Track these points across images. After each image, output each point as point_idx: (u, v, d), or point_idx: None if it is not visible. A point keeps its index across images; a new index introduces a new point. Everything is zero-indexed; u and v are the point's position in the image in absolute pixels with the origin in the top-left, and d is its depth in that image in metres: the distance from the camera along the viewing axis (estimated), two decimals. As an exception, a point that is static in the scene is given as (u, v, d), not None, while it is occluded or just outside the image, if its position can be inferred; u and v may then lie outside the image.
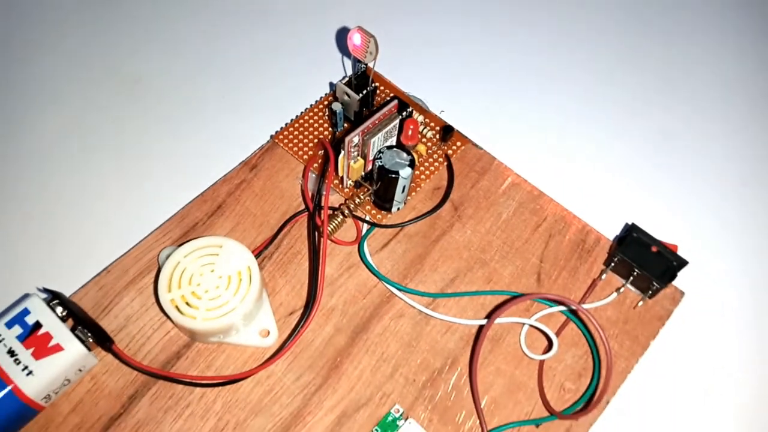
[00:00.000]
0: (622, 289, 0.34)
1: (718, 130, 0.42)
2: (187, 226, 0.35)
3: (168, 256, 0.31)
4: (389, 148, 0.33)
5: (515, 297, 0.30)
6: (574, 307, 0.31)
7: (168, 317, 0.30)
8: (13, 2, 0.44)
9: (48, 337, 0.29)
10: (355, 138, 0.32)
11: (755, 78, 0.44)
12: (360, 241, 0.34)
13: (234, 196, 0.36)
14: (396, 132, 0.34)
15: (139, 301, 0.33)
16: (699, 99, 0.43)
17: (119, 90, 0.41)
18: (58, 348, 0.29)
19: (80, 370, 0.30)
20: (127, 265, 0.34)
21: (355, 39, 0.33)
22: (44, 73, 0.41)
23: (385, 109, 0.32)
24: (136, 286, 0.33)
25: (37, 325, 0.29)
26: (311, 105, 0.39)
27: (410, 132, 0.35)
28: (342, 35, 0.43)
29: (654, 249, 0.33)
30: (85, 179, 0.37)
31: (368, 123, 0.32)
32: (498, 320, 0.31)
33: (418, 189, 0.37)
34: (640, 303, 0.34)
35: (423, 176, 0.37)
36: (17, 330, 0.29)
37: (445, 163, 0.37)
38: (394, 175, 0.32)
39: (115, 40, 0.43)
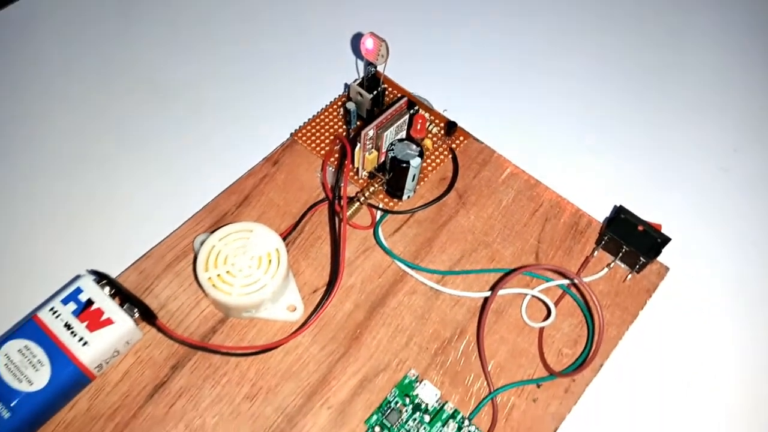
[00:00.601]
0: (612, 265, 0.37)
1: (695, 119, 0.46)
2: (217, 216, 0.38)
3: (202, 242, 0.35)
4: (400, 140, 0.37)
5: (518, 269, 0.34)
6: (572, 278, 0.34)
7: (206, 294, 0.34)
8: (50, 14, 0.48)
9: (99, 312, 0.32)
10: (370, 131, 0.35)
11: (738, 68, 0.48)
12: (375, 226, 0.38)
13: (258, 188, 0.40)
14: (406, 126, 0.38)
15: (177, 283, 0.36)
16: (682, 92, 0.47)
17: (156, 94, 0.44)
18: (109, 322, 0.32)
19: (128, 343, 0.33)
20: (163, 251, 0.37)
21: (367, 43, 0.37)
22: (92, 79, 0.45)
23: (396, 106, 0.36)
24: (173, 269, 0.37)
25: (90, 302, 0.32)
26: (327, 105, 0.43)
27: (419, 126, 0.38)
28: (355, 40, 0.47)
29: (640, 228, 0.37)
30: (124, 176, 0.41)
31: (381, 118, 0.35)
32: (501, 292, 0.35)
33: (425, 179, 0.40)
34: (629, 277, 0.37)
35: (430, 168, 0.40)
36: (72, 306, 0.32)
37: (450, 156, 0.41)
38: (405, 165, 0.36)
39: (151, 49, 0.46)
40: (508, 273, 0.34)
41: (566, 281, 0.36)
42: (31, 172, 0.40)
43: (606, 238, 0.37)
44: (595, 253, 0.38)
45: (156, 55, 0.46)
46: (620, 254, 0.37)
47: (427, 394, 0.33)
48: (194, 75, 0.45)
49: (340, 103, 0.42)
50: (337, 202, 0.37)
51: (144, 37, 0.47)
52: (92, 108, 0.43)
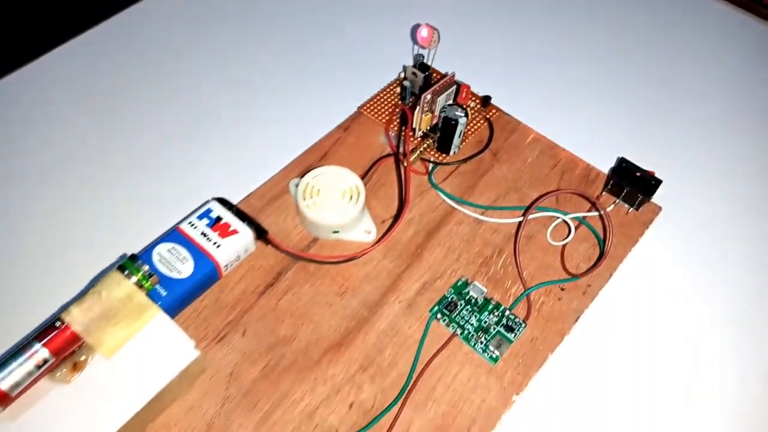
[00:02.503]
0: (617, 202, 0.47)
1: (686, 80, 0.56)
2: (303, 167, 0.49)
3: (296, 184, 0.45)
4: (450, 105, 0.47)
5: (547, 193, 0.44)
6: (593, 200, 0.45)
7: (302, 219, 0.44)
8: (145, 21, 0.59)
9: (227, 225, 0.42)
10: (428, 95, 0.46)
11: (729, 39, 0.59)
12: (429, 173, 0.48)
13: (334, 148, 0.50)
14: (453, 95, 0.48)
15: (276, 214, 0.46)
16: (675, 60, 0.58)
17: (256, 77, 0.55)
18: (234, 232, 0.42)
19: (246, 251, 0.43)
20: (264, 191, 0.47)
21: (423, 32, 0.48)
22: (206, 66, 0.56)
23: (445, 78, 0.47)
24: (272, 205, 0.47)
25: (219, 218, 0.42)
26: (386, 85, 0.53)
27: (464, 94, 0.49)
28: (413, 30, 0.58)
29: (638, 174, 0.47)
30: (240, 135, 0.51)
31: (436, 86, 0.46)
32: (531, 216, 0.45)
33: (466, 141, 0.51)
34: (630, 210, 0.47)
35: (470, 133, 0.51)
36: (205, 221, 0.42)
37: (486, 124, 0.51)
38: (454, 122, 0.46)
39: (241, 40, 0.58)
40: (538, 198, 0.44)
41: (582, 214, 0.46)
42: (179, 121, 0.52)
43: (611, 182, 0.47)
44: (603, 193, 0.48)
45: (255, 44, 0.58)
46: (622, 195, 0.47)
47: (476, 291, 0.43)
48: (288, 63, 0.57)
49: (396, 83, 0.53)
50: (401, 153, 0.48)
51: (231, 33, 0.59)
52: (222, 85, 0.55)
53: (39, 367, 0.34)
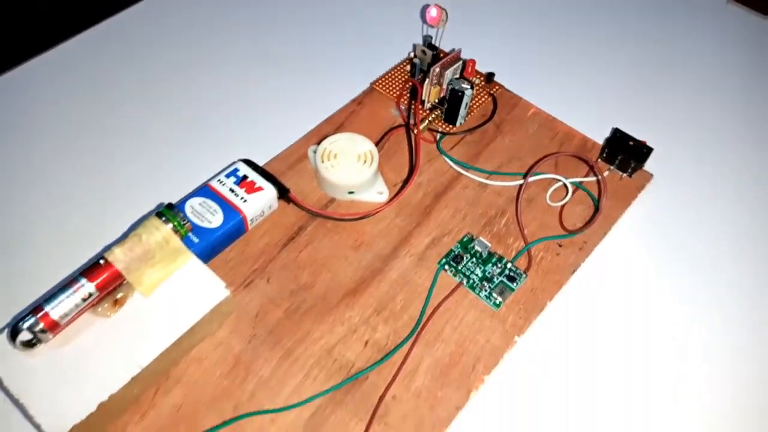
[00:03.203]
0: (611, 169, 0.51)
1: (677, 56, 0.60)
2: (320, 136, 0.52)
3: (314, 151, 0.49)
4: (457, 78, 0.51)
5: (548, 155, 0.48)
6: (590, 163, 0.48)
7: (320, 180, 0.48)
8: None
9: (253, 183, 0.46)
10: (437, 69, 0.50)
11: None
12: (437, 141, 0.52)
13: (348, 119, 0.54)
14: (460, 69, 0.52)
15: (297, 177, 0.50)
16: (668, 36, 0.62)
17: (279, 57, 0.59)
18: (260, 189, 0.46)
19: (270, 207, 0.47)
20: (286, 156, 0.51)
21: (432, 12, 0.52)
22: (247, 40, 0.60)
23: (452, 54, 0.51)
24: (293, 168, 0.50)
25: (245, 177, 0.46)
26: (396, 64, 0.57)
27: (470, 69, 0.53)
28: (423, 11, 0.62)
29: (631, 143, 0.51)
30: (263, 109, 0.55)
31: (444, 60, 0.50)
32: (531, 178, 0.49)
33: (472, 113, 0.54)
34: (623, 176, 0.51)
35: (475, 107, 0.55)
36: (233, 179, 0.46)
37: (490, 99, 0.55)
38: (461, 93, 0.50)
39: (267, 22, 0.62)
40: (539, 160, 0.48)
41: (579, 179, 0.50)
42: (215, 84, 0.56)
43: (606, 151, 0.51)
44: (599, 160, 0.52)
45: (292, 26, 0.63)
46: (616, 162, 0.51)
47: (481, 246, 0.46)
48: (302, 43, 0.61)
49: (407, 61, 0.57)
50: (411, 123, 0.51)
51: (271, 17, 0.63)
52: (251, 58, 0.60)
53: (84, 300, 0.38)
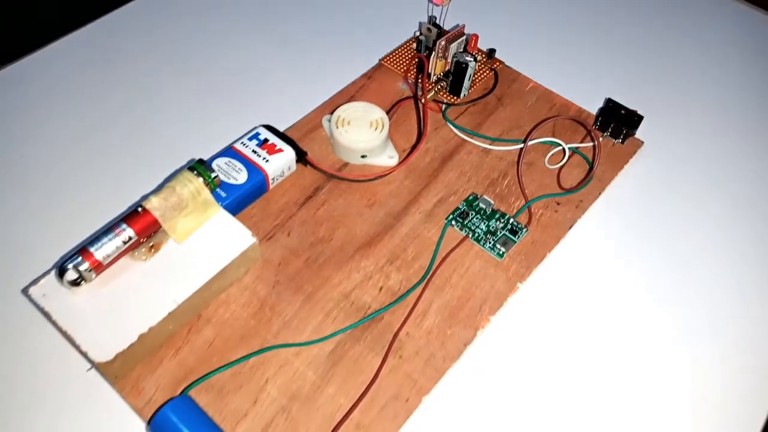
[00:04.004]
0: (605, 135, 0.55)
1: (668, 31, 0.64)
2: (334, 107, 0.56)
3: (328, 119, 0.53)
4: (461, 51, 0.55)
5: (547, 119, 0.52)
6: (588, 127, 0.52)
7: (334, 144, 0.51)
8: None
9: (273, 145, 0.49)
10: (442, 42, 0.54)
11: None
12: (443, 111, 0.56)
13: (359, 92, 0.58)
14: (464, 44, 0.56)
15: (314, 143, 0.53)
16: (660, 12, 0.66)
17: (294, 36, 0.63)
18: (280, 150, 0.49)
19: (289, 168, 0.50)
20: (302, 125, 0.55)
21: (437, -9, 0.56)
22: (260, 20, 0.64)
23: (458, 28, 0.55)
24: (308, 136, 0.54)
25: (266, 140, 0.50)
26: (404, 42, 0.61)
27: (473, 43, 0.57)
28: None
29: (623, 112, 0.55)
30: (281, 81, 0.59)
31: (449, 34, 0.54)
32: (531, 142, 0.53)
33: (475, 86, 0.58)
34: (616, 141, 0.55)
35: (477, 81, 0.59)
36: (255, 142, 0.49)
37: (492, 74, 0.59)
38: (465, 65, 0.54)
39: (295, 9, 0.66)
40: (539, 123, 0.51)
41: (575, 144, 0.54)
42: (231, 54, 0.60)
43: (599, 120, 0.55)
44: (594, 127, 0.55)
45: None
46: (609, 130, 0.55)
47: (485, 203, 0.50)
48: (315, 23, 0.65)
49: (412, 40, 0.61)
50: (419, 93, 0.55)
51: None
52: (270, 38, 0.64)
53: (125, 242, 0.41)
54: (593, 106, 0.58)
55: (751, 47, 0.67)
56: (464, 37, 0.56)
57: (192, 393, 0.39)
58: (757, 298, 0.47)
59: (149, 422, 0.38)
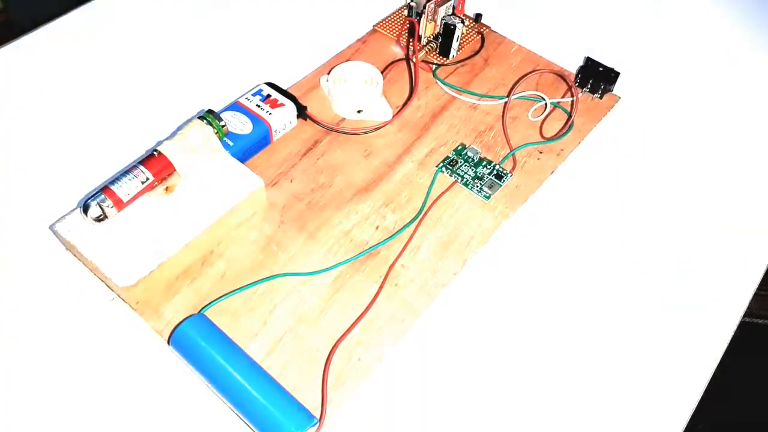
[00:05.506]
0: (584, 91, 0.59)
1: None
2: (331, 68, 0.60)
3: (326, 79, 0.57)
4: (449, 15, 0.59)
5: (531, 72, 0.56)
6: (569, 82, 0.56)
7: (334, 99, 0.55)
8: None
9: (276, 100, 0.53)
10: (431, 5, 0.58)
11: None
12: (433, 71, 0.60)
13: (355, 56, 0.62)
14: (453, 7, 0.60)
15: (314, 101, 0.57)
16: None
17: (294, 3, 0.67)
18: (282, 105, 0.53)
19: (290, 123, 0.54)
20: (303, 84, 0.58)
21: (426, -41, 0.60)
22: None
23: (446, -6, 0.59)
24: (307, 95, 0.58)
25: (269, 95, 0.54)
26: (396, 9, 0.65)
27: (460, 7, 0.61)
28: None
29: (600, 69, 0.59)
30: (282, 44, 0.62)
31: (438, -2, 0.58)
32: (514, 97, 0.57)
33: (462, 48, 0.62)
34: (595, 97, 0.59)
35: (465, 44, 0.63)
36: (258, 97, 0.53)
37: (479, 37, 0.63)
38: (453, 27, 0.58)
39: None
40: (523, 76, 0.56)
41: (557, 99, 0.58)
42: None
43: (579, 77, 0.59)
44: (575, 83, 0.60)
45: None
46: (588, 85, 0.59)
47: (472, 152, 0.54)
48: None
49: (404, 7, 0.65)
50: (410, 54, 0.59)
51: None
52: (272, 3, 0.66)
53: (143, 183, 0.45)
54: (574, 66, 0.62)
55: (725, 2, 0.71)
56: (452, 2, 0.60)
57: (207, 316, 0.43)
58: (727, 242, 0.51)
59: (168, 340, 0.42)
